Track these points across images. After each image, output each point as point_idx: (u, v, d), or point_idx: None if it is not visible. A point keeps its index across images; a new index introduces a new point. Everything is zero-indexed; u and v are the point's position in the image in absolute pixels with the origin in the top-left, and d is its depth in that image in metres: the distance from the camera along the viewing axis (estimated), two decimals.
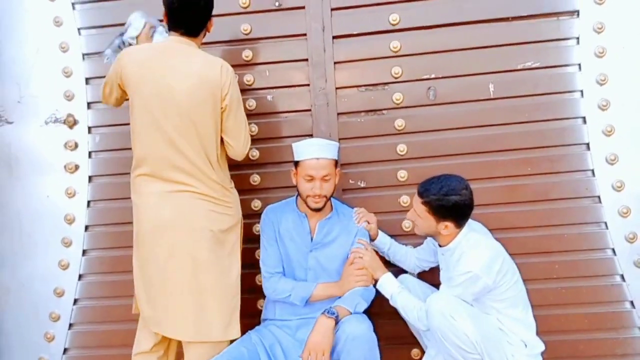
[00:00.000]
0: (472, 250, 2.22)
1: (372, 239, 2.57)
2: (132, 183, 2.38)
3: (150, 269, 2.29)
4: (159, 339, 2.38)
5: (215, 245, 2.30)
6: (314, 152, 2.41)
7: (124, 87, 2.32)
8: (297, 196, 2.55)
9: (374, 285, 2.44)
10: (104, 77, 2.43)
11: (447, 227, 2.25)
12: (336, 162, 2.47)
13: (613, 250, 2.64)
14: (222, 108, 2.29)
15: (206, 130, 2.27)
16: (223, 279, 2.31)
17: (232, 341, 2.34)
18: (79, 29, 2.89)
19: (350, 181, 2.78)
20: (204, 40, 2.52)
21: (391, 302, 2.38)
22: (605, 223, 2.64)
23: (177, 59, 2.26)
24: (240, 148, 2.38)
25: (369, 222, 2.54)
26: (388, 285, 2.40)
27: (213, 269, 2.29)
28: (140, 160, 2.32)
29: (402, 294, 2.36)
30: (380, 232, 2.61)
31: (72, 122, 2.88)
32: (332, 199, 2.52)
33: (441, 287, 2.33)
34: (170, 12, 2.31)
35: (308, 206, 2.44)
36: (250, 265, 2.71)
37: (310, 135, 2.76)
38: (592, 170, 2.66)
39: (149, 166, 2.30)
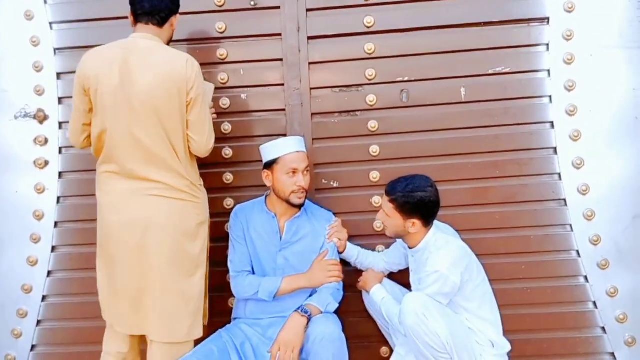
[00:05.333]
0: (439, 250, 2.26)
1: (340, 252, 2.59)
2: (97, 180, 2.35)
3: (116, 269, 2.27)
4: (126, 346, 2.38)
5: (181, 244, 2.28)
6: (294, 146, 2.45)
7: (87, 90, 2.25)
8: (266, 196, 2.57)
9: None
10: (74, 72, 2.33)
11: (414, 224, 2.30)
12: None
13: (577, 252, 2.70)
14: (187, 102, 2.26)
15: (173, 125, 2.24)
16: (188, 279, 2.30)
17: (198, 341, 2.33)
18: (50, 23, 2.85)
19: (323, 181, 2.80)
20: (177, 38, 2.52)
21: (382, 310, 2.44)
22: (571, 225, 2.71)
23: (140, 54, 2.23)
24: (203, 143, 2.32)
25: (340, 240, 2.56)
26: (378, 294, 2.48)
27: (178, 269, 2.27)
28: (107, 157, 2.29)
29: (385, 300, 2.43)
30: (348, 245, 2.62)
31: (42, 117, 2.84)
32: None
33: (412, 290, 2.38)
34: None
35: (291, 204, 2.44)
36: (221, 263, 2.71)
37: (284, 135, 2.77)
38: (559, 174, 2.72)
39: (115, 163, 2.27)
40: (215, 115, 2.58)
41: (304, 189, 2.44)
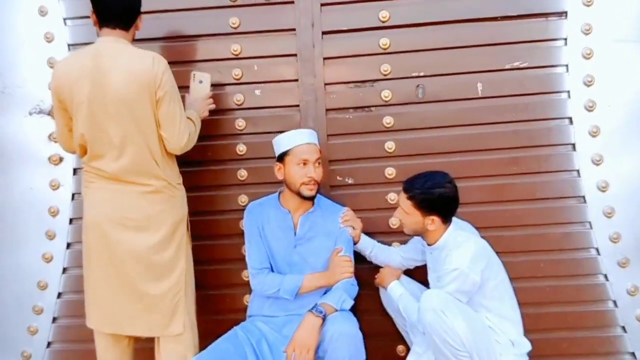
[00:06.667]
0: (458, 247, 2.24)
1: (355, 243, 2.57)
2: (83, 174, 2.40)
3: (92, 267, 2.34)
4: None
5: (157, 243, 2.30)
6: (305, 138, 2.44)
7: (62, 101, 2.28)
8: (279, 192, 2.55)
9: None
10: None
11: (433, 221, 2.27)
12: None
13: (597, 250, 2.66)
14: (157, 100, 2.25)
15: (147, 125, 2.25)
16: (164, 276, 2.32)
17: (213, 338, 2.34)
18: (64, 19, 2.84)
19: (338, 178, 2.78)
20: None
21: (400, 307, 2.42)
22: (590, 223, 2.67)
23: (107, 57, 2.23)
24: (174, 140, 2.30)
25: (354, 228, 2.54)
26: (395, 290, 2.46)
27: (153, 268, 2.30)
28: (90, 158, 2.32)
29: (403, 297, 2.41)
30: (362, 236, 2.61)
31: None
32: None
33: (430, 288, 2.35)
34: (99, 4, 2.29)
35: (302, 196, 2.42)
36: (235, 260, 2.71)
37: None
38: (578, 171, 2.68)
39: (96, 165, 2.30)
40: (213, 106, 2.60)
41: (315, 181, 2.42)
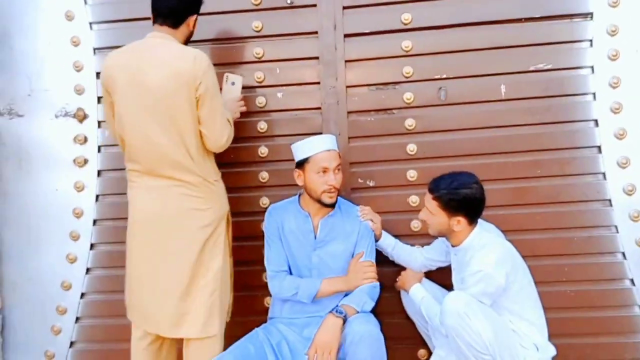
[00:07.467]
0: (483, 249, 2.21)
1: (376, 240, 2.56)
2: (127, 176, 2.42)
3: (133, 264, 2.35)
4: None
5: (195, 241, 2.30)
6: (325, 145, 2.43)
7: (109, 90, 2.32)
8: (299, 195, 2.55)
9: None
10: None
11: (459, 222, 2.25)
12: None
13: (623, 254, 2.62)
14: (196, 98, 2.26)
15: (184, 122, 2.25)
16: (201, 276, 2.31)
17: (234, 339, 2.33)
18: (90, 24, 2.89)
19: (359, 180, 2.78)
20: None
21: (422, 310, 2.41)
22: (616, 227, 2.62)
23: (151, 52, 2.26)
24: (215, 138, 2.32)
25: (373, 222, 2.54)
26: (417, 293, 2.44)
27: (190, 265, 2.28)
28: (128, 155, 2.35)
29: (425, 300, 2.39)
30: (384, 233, 2.60)
31: (82, 116, 2.88)
32: None
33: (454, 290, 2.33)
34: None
35: (323, 203, 2.42)
36: (256, 262, 2.70)
37: (320, 134, 2.74)
38: (604, 174, 2.64)
39: (135, 162, 2.33)
40: (244, 108, 2.61)
41: (335, 188, 2.41)
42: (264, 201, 2.81)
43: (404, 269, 2.61)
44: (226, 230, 2.44)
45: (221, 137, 2.34)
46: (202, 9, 2.48)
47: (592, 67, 2.66)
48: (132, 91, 2.24)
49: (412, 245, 2.67)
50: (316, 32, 2.78)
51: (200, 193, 2.32)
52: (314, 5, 2.77)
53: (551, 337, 2.32)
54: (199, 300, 2.29)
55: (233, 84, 2.58)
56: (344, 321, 2.23)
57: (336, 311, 2.25)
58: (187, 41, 2.45)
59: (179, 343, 2.43)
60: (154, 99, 2.22)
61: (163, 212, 2.29)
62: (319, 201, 2.42)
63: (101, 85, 2.37)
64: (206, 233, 2.32)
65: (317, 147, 2.42)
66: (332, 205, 2.45)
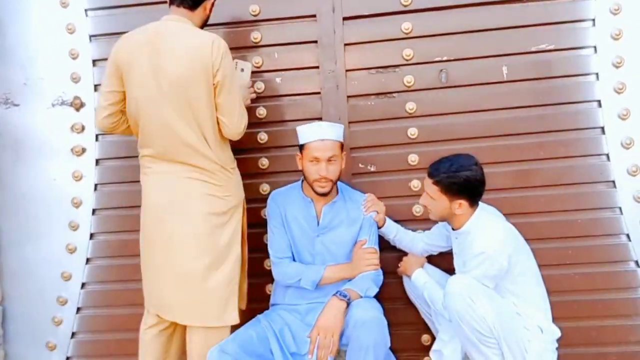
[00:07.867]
0: (484, 231, 2.19)
1: (379, 227, 2.54)
2: (140, 163, 2.38)
3: (149, 250, 2.31)
4: None
5: (212, 229, 2.26)
6: (319, 134, 2.37)
7: (121, 71, 2.26)
8: (302, 180, 2.52)
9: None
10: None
11: (460, 205, 2.23)
12: (342, 144, 2.43)
13: (627, 236, 2.59)
14: (214, 84, 2.23)
15: (201, 108, 2.22)
16: (219, 264, 2.27)
17: (236, 326, 2.31)
18: (85, 10, 2.85)
19: (360, 165, 2.75)
20: (212, 22, 2.49)
21: (424, 295, 2.39)
22: (620, 208, 2.60)
23: (168, 37, 2.22)
24: (233, 126, 2.29)
25: (377, 212, 2.51)
26: (420, 278, 2.43)
27: (208, 253, 2.25)
28: (143, 141, 2.32)
29: (427, 284, 2.38)
30: (387, 220, 2.57)
31: (78, 105, 2.85)
32: (339, 182, 2.49)
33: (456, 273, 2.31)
34: None
35: (315, 191, 2.40)
36: (258, 249, 2.68)
37: (320, 119, 2.72)
38: (607, 155, 2.61)
39: (150, 147, 2.29)
40: (254, 95, 2.57)
41: (327, 179, 2.36)
42: (264, 188, 2.78)
43: (406, 254, 2.60)
44: (243, 218, 2.43)
45: (240, 125, 2.31)
46: None
47: (594, 47, 2.62)
48: (148, 75, 2.20)
49: (414, 230, 2.65)
50: (314, 15, 2.74)
51: (218, 181, 2.29)
52: None
53: (556, 320, 2.31)
54: (217, 289, 2.26)
55: (242, 70, 2.54)
56: (348, 305, 2.22)
57: (340, 294, 2.23)
58: (204, 25, 2.42)
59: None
60: (171, 84, 2.19)
61: (176, 197, 2.25)
62: (312, 188, 2.40)
63: (111, 66, 2.30)
64: (223, 220, 2.29)
65: (312, 136, 2.38)
66: (324, 195, 2.41)
